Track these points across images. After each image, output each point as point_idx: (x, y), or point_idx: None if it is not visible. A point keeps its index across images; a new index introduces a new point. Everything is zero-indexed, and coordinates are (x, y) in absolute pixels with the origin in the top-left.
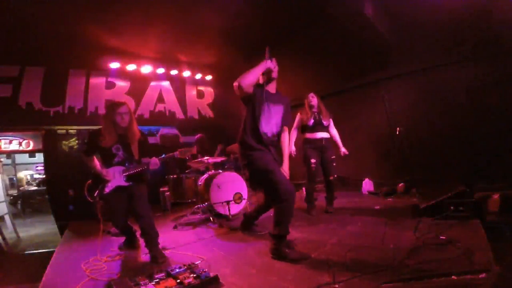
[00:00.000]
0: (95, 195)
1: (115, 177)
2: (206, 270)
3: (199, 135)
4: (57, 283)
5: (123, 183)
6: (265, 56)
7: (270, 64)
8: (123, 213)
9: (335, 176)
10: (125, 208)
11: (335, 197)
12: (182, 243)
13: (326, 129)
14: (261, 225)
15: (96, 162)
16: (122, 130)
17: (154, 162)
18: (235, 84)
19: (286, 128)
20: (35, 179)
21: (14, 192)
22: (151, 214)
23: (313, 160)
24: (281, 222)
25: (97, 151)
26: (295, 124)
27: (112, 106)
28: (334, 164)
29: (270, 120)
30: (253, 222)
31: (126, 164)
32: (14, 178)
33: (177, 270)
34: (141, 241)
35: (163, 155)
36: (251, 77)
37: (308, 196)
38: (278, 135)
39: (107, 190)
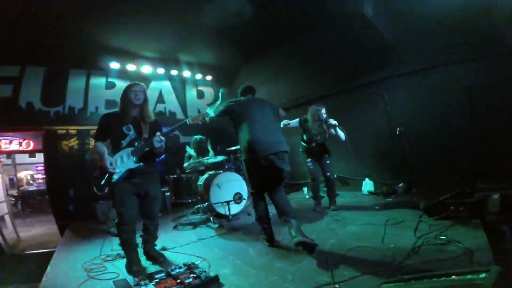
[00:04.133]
0: (102, 184)
1: (124, 161)
2: (206, 270)
3: (196, 137)
4: (57, 283)
5: (133, 165)
6: None
7: None
8: (135, 207)
9: (334, 175)
10: (136, 202)
11: (336, 194)
12: (182, 243)
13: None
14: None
15: (105, 149)
16: (136, 111)
17: (159, 138)
18: None
19: None
20: (35, 178)
21: (14, 192)
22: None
23: (308, 160)
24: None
25: (108, 134)
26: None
27: (129, 85)
28: (328, 162)
29: None
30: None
31: (136, 144)
32: (14, 178)
33: (177, 270)
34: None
35: (173, 127)
36: None
37: (314, 193)
38: None
39: (116, 177)
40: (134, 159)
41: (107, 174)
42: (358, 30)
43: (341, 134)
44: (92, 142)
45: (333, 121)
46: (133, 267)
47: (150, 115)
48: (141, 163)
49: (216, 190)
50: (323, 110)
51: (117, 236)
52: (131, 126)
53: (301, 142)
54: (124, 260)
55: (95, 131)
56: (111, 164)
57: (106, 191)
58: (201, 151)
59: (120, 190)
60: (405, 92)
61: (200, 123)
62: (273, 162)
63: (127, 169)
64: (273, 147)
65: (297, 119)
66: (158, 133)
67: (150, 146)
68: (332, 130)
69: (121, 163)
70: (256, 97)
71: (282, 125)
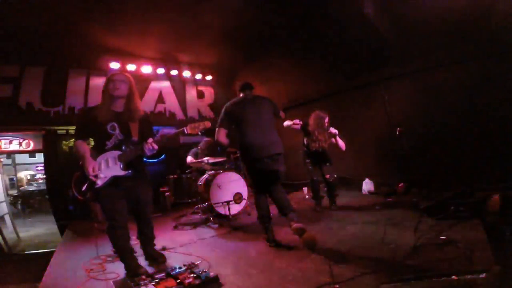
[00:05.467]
0: (83, 190)
1: (109, 166)
2: (206, 270)
3: (207, 138)
4: (57, 283)
5: (120, 172)
6: None
7: None
8: (124, 213)
9: (334, 176)
10: (124, 207)
11: (336, 195)
12: (182, 243)
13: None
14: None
15: (86, 149)
16: (120, 106)
17: (156, 139)
18: None
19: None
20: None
21: (14, 192)
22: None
23: (307, 161)
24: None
25: (90, 133)
26: (299, 122)
27: (110, 74)
28: (328, 164)
29: None
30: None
31: (123, 148)
32: (14, 178)
33: (177, 270)
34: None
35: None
36: None
37: (314, 193)
38: None
39: (100, 183)
40: (121, 165)
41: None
42: (358, 30)
43: (341, 144)
44: (92, 142)
45: (333, 130)
46: (132, 271)
47: (138, 111)
48: (129, 171)
49: (216, 190)
50: (326, 119)
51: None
52: (115, 125)
53: (302, 146)
54: None
55: None
56: (93, 169)
57: (88, 196)
58: (210, 152)
59: (108, 194)
60: (405, 92)
61: (199, 133)
62: (267, 165)
63: (112, 176)
64: (266, 150)
65: (299, 123)
66: (150, 140)
67: (139, 152)
68: (332, 139)
69: (106, 167)
70: (254, 95)
71: (284, 125)
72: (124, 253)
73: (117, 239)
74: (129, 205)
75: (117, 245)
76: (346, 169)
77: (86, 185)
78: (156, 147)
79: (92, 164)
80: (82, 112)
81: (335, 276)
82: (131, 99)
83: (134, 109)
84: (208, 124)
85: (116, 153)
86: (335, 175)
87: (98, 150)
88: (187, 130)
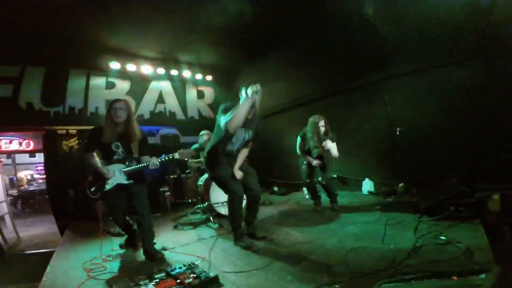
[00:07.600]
0: (92, 190)
1: (116, 175)
2: (206, 270)
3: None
4: (57, 283)
5: (123, 181)
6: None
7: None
8: (123, 211)
9: (328, 177)
10: (124, 205)
11: (336, 194)
12: (182, 243)
13: None
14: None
15: (97, 160)
16: (121, 128)
17: (153, 163)
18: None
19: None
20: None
21: (14, 192)
22: (150, 213)
23: (304, 162)
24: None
25: (97, 147)
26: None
27: (112, 101)
28: (326, 169)
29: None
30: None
31: (127, 163)
32: (14, 178)
33: (177, 270)
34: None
35: (163, 156)
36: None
37: (310, 193)
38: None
39: (107, 187)
40: (126, 177)
41: (100, 182)
42: (358, 30)
43: (334, 153)
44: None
45: (329, 144)
46: (125, 243)
47: (135, 133)
48: (131, 181)
49: (216, 190)
50: (322, 122)
51: (117, 236)
52: (119, 144)
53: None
54: (123, 260)
55: None
56: (107, 172)
57: (98, 195)
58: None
59: (112, 196)
60: (405, 92)
61: (186, 159)
62: None
63: (118, 183)
64: None
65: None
66: (154, 162)
67: (141, 167)
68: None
69: (113, 176)
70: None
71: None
72: (123, 228)
73: (118, 225)
74: (128, 202)
75: (119, 226)
76: (346, 169)
77: (95, 187)
78: (157, 164)
79: (106, 168)
80: (91, 130)
81: (335, 276)
82: (130, 122)
83: (133, 131)
84: (194, 153)
85: (121, 166)
86: (334, 176)
87: (106, 162)
88: (177, 155)
